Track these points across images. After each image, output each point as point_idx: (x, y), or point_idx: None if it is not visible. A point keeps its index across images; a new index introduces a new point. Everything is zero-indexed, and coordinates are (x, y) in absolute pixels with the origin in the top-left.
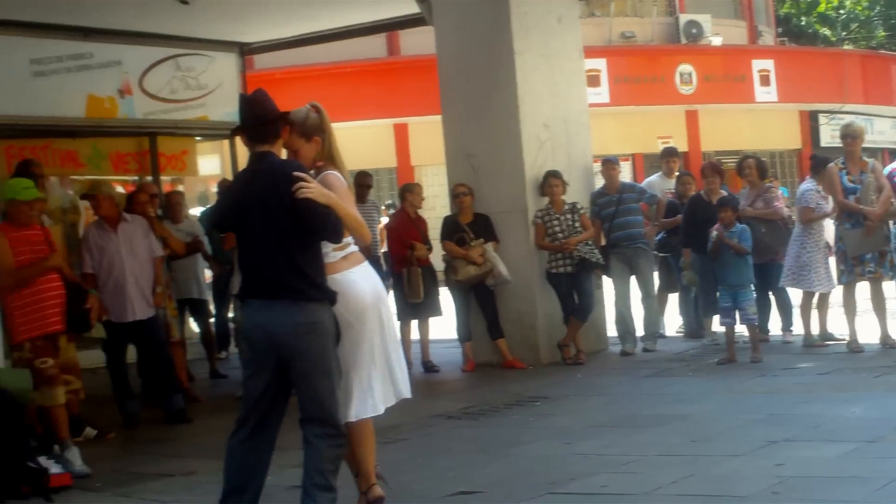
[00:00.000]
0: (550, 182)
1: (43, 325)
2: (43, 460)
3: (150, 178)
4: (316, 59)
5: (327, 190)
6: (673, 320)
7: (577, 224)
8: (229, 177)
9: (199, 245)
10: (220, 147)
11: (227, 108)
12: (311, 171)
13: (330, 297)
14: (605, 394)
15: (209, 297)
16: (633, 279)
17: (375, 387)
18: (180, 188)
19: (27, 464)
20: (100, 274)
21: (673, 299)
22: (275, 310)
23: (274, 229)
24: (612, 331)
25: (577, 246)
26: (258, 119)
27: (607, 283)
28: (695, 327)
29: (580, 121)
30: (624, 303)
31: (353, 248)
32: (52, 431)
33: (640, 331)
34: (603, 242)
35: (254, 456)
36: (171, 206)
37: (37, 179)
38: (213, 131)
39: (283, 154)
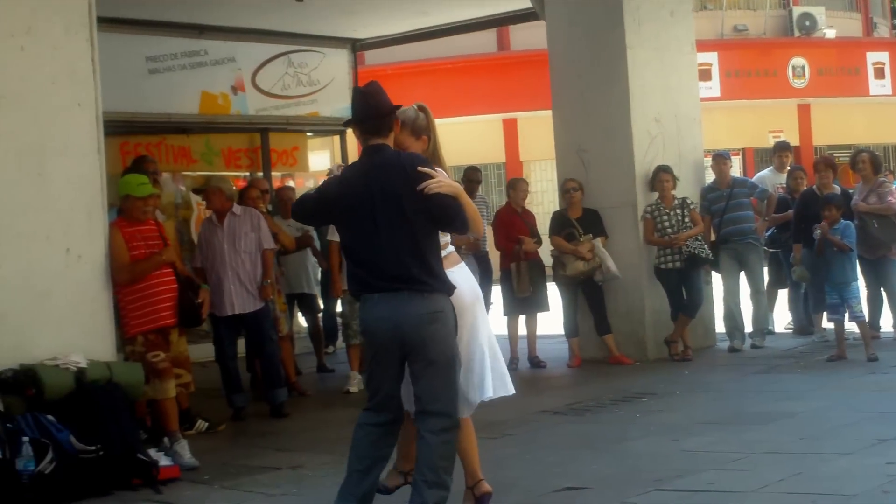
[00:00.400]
0: (661, 177)
1: (155, 319)
2: (153, 453)
3: (260, 173)
4: (426, 54)
5: (457, 184)
6: (782, 316)
7: (686, 219)
8: None
9: (308, 240)
10: (330, 143)
11: (338, 104)
12: None
13: (449, 289)
14: (712, 390)
15: (318, 291)
16: (742, 275)
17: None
18: (291, 184)
19: (137, 456)
20: (206, 267)
21: (782, 295)
22: (399, 301)
23: (401, 222)
24: (720, 327)
25: (687, 241)
26: (373, 112)
27: (716, 279)
28: (804, 323)
29: (691, 115)
30: (733, 298)
31: (451, 248)
32: (162, 424)
33: (748, 327)
34: (713, 238)
35: (381, 444)
36: (282, 201)
37: (151, 176)
38: (324, 127)
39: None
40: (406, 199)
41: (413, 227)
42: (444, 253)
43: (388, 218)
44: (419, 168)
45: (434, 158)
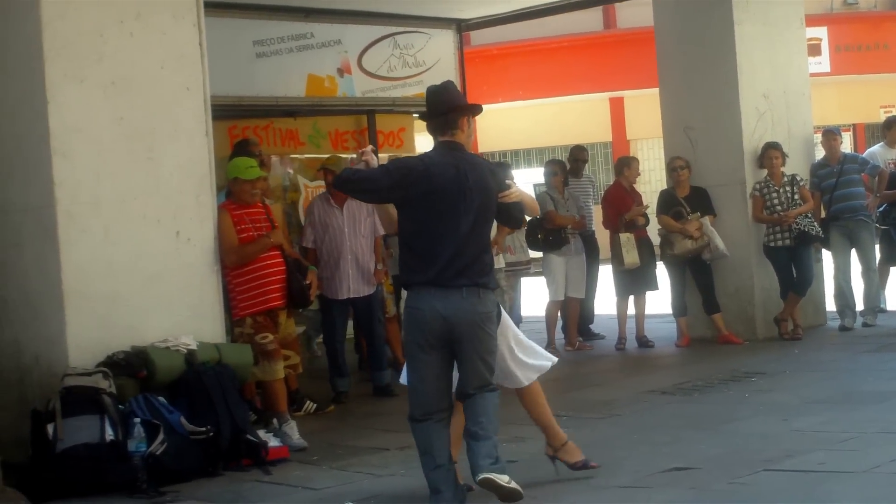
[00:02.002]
0: (769, 154)
1: (264, 301)
2: (262, 433)
3: None
4: (532, 34)
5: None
6: (895, 294)
7: (796, 196)
8: None
9: None
10: None
11: None
12: None
13: (495, 286)
14: (822, 370)
15: None
16: (853, 252)
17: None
18: None
19: (247, 437)
20: (321, 249)
21: (894, 273)
22: (458, 298)
23: (481, 218)
24: (830, 305)
25: (797, 219)
26: (440, 108)
27: (826, 257)
28: None
29: (800, 91)
30: (844, 276)
31: None
32: (271, 405)
33: (859, 305)
34: (823, 215)
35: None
36: None
37: (258, 158)
38: None
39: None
40: (488, 203)
41: (488, 225)
42: None
43: (473, 211)
44: (508, 181)
45: None
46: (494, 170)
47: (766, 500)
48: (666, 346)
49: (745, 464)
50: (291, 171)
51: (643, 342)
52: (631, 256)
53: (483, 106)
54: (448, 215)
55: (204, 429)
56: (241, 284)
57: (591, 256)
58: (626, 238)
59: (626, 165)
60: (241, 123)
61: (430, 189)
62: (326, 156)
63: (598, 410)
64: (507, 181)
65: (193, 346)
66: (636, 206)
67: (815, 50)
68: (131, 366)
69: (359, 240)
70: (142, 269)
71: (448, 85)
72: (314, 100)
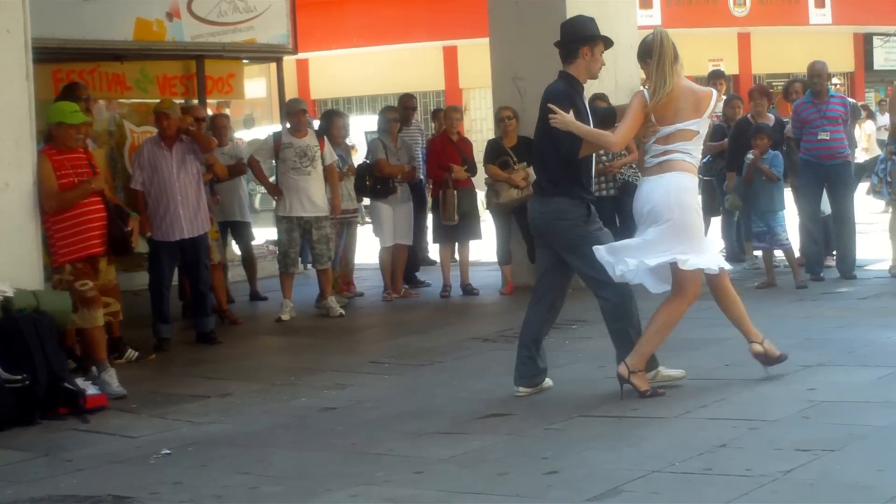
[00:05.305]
0: (595, 105)
1: (84, 247)
2: (80, 381)
3: (196, 101)
4: None
5: (571, 119)
6: (714, 244)
7: None
8: (275, 101)
9: (242, 168)
10: (266, 70)
11: (275, 31)
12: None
13: (573, 194)
14: (641, 317)
15: (251, 219)
16: None
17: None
18: (226, 111)
19: (64, 385)
20: (150, 191)
21: (715, 223)
22: (534, 202)
23: (543, 139)
24: None
25: (621, 169)
26: (560, 41)
27: None
28: (736, 251)
29: (629, 43)
30: None
31: (669, 157)
32: (91, 353)
33: None
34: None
35: (542, 315)
36: (217, 129)
37: (82, 103)
38: (260, 54)
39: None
40: (543, 123)
41: (546, 145)
42: (658, 160)
43: (537, 134)
44: (549, 104)
45: (654, 79)
46: (554, 99)
47: (580, 445)
48: (490, 294)
49: (560, 410)
50: (118, 115)
51: (468, 290)
52: (447, 216)
53: (610, 38)
54: None
55: (20, 377)
56: (61, 231)
57: (420, 204)
58: (442, 195)
59: (443, 116)
60: (66, 67)
61: None
62: (154, 101)
63: (420, 357)
64: (555, 109)
65: (10, 294)
66: (464, 164)
67: (646, 2)
68: None
69: (188, 181)
70: None
71: (576, 19)
72: (142, 44)
